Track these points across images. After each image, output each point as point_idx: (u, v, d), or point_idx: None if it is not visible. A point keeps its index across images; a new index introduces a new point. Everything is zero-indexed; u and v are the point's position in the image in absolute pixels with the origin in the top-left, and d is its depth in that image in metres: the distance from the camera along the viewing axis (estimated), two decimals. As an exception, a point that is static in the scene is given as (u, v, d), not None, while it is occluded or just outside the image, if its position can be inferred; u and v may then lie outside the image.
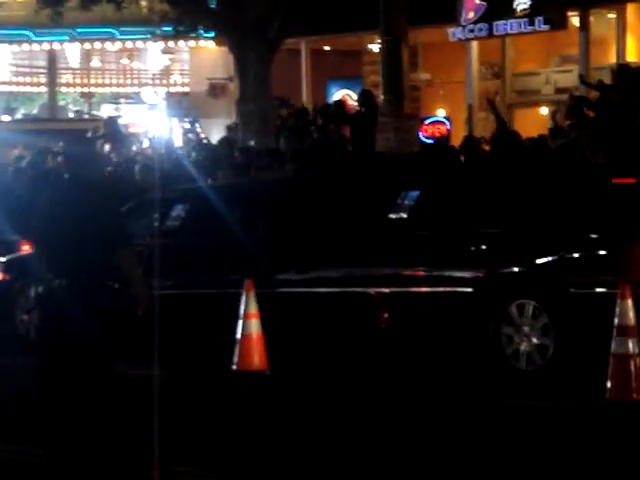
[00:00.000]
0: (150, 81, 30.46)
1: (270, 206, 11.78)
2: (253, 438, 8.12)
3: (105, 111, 33.78)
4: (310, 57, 23.06)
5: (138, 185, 15.14)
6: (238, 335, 10.18)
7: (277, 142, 17.45)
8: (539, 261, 9.92)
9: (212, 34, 22.10)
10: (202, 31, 21.85)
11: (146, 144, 19.90)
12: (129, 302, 6.72)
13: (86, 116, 32.11)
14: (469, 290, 10.17)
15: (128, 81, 30.96)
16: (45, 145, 18.42)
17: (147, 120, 27.48)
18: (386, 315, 10.60)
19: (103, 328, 6.66)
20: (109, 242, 6.67)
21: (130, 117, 29.64)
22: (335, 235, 11.19)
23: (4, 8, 21.88)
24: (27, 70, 30.39)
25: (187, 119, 20.55)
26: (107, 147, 19.70)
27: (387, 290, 10.65)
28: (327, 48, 23.50)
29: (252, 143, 17.35)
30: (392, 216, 10.79)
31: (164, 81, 29.72)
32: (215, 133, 20.17)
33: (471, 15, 19.04)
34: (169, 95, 28.97)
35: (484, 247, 10.22)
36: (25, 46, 25.80)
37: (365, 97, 16.48)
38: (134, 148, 19.19)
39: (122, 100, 34.80)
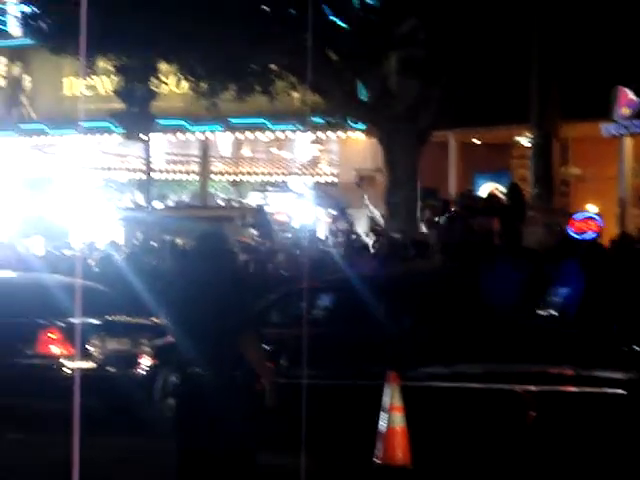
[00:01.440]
0: (298, 170, 30.91)
1: (416, 297, 11.70)
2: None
3: (253, 199, 34.43)
4: (458, 149, 23.07)
5: (284, 274, 15.27)
6: (382, 428, 10.06)
7: (423, 233, 17.43)
8: (695, 363, 9.59)
9: (361, 125, 22.33)
10: (352, 122, 22.16)
11: (291, 233, 20.15)
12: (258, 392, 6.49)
13: (235, 204, 32.75)
14: (621, 392, 9.87)
15: (276, 170, 31.49)
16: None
17: (294, 209, 27.86)
18: (533, 414, 10.35)
19: (243, 420, 6.43)
20: (235, 328, 6.41)
21: (277, 205, 30.09)
22: (482, 329, 11.03)
23: (164, 99, 22.62)
24: (181, 158, 31.26)
25: (336, 208, 20.73)
26: (256, 235, 20.03)
27: (534, 388, 10.41)
28: (476, 141, 23.48)
29: (398, 234, 17.36)
30: (541, 312, 10.60)
31: (312, 170, 30.11)
32: (362, 223, 20.28)
33: (625, 111, 18.77)
34: (316, 185, 29.33)
35: (637, 347, 9.92)
36: (180, 135, 26.54)
37: (513, 191, 16.44)
38: (282, 235, 19.45)
39: (270, 188, 35.41)
